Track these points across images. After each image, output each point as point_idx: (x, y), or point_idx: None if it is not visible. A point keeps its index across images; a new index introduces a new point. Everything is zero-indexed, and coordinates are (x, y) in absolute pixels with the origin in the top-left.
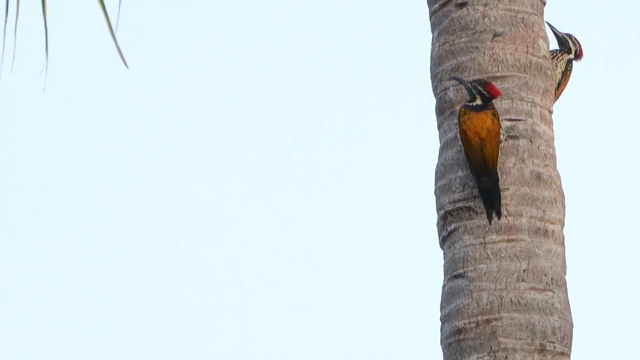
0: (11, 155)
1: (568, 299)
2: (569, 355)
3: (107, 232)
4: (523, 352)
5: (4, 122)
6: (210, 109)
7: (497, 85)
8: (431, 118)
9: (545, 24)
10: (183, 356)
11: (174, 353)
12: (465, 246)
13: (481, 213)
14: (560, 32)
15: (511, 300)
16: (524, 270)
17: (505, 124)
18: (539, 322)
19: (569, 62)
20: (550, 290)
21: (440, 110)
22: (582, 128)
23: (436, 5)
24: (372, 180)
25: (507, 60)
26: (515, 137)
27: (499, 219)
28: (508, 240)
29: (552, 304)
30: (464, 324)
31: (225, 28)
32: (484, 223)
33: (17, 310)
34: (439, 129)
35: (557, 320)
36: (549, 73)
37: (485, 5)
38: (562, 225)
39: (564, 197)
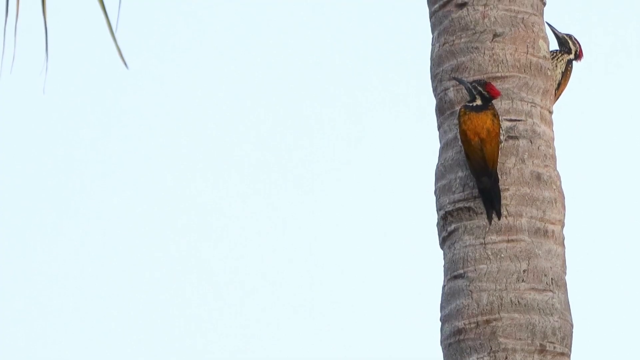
0: (11, 155)
1: (568, 300)
2: (569, 355)
3: (107, 232)
4: (523, 352)
5: (4, 122)
6: (210, 109)
7: (497, 85)
8: (431, 118)
9: (545, 24)
10: (183, 356)
11: (174, 353)
12: (465, 246)
13: (481, 213)
14: (560, 33)
15: (511, 300)
16: (524, 271)
17: (505, 124)
18: (539, 322)
19: (569, 62)
20: (550, 290)
21: (441, 110)
22: (582, 128)
23: (436, 6)
24: (372, 180)
25: (507, 61)
26: (515, 138)
27: (499, 219)
28: (508, 241)
29: (552, 305)
30: (464, 324)
31: (225, 28)
32: (484, 223)
33: (17, 310)
34: (439, 129)
35: (557, 321)
36: (549, 73)
37: (485, 5)
38: (562, 226)
39: (564, 198)
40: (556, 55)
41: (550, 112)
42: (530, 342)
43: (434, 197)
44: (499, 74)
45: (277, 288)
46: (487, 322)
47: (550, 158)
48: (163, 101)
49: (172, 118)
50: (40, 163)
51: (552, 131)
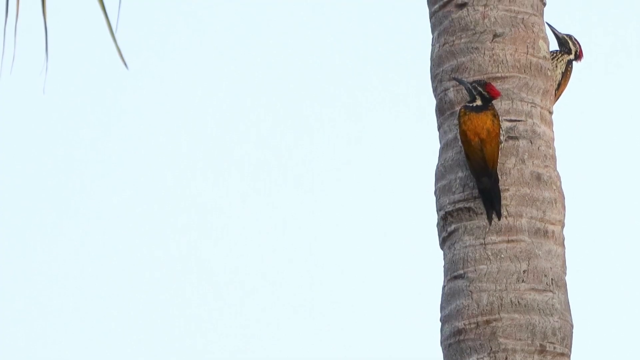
0: (11, 155)
1: (568, 300)
2: (569, 356)
3: (107, 232)
4: (523, 352)
5: (4, 122)
6: (210, 108)
7: (497, 86)
8: (431, 118)
9: (546, 24)
10: (183, 356)
11: (174, 353)
12: (465, 247)
13: (481, 214)
14: (560, 33)
15: (511, 301)
16: (524, 271)
17: (505, 124)
18: (539, 322)
19: (569, 62)
20: (551, 291)
21: (441, 110)
22: (582, 129)
23: (436, 6)
24: (372, 180)
25: (507, 61)
26: (516, 138)
27: (499, 219)
28: (508, 241)
29: (552, 305)
30: (464, 324)
31: (225, 28)
32: (484, 224)
33: (17, 310)
34: (439, 129)
35: (557, 321)
36: (549, 74)
37: (485, 6)
38: (562, 226)
39: (564, 198)
40: (556, 55)
41: (551, 113)
42: (530, 342)
43: (434, 198)
44: (499, 75)
45: (277, 288)
46: (487, 322)
47: (550, 158)
48: (163, 101)
49: (172, 118)
50: (40, 163)
51: (552, 131)
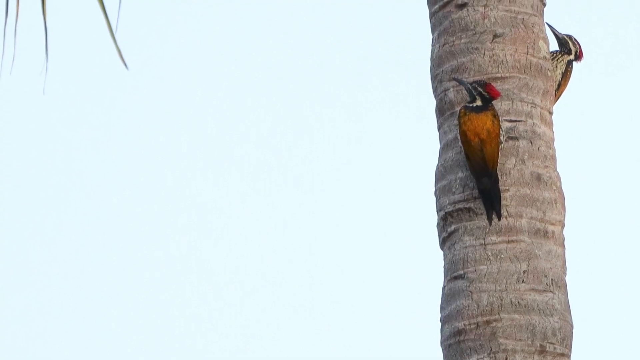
0: (11, 155)
1: (568, 300)
2: (569, 356)
3: (107, 232)
4: (523, 353)
5: (4, 122)
6: (210, 108)
7: (497, 86)
8: (431, 119)
9: (546, 24)
10: (183, 356)
11: (174, 353)
12: (466, 247)
13: (481, 214)
14: (560, 33)
15: (511, 301)
16: (524, 272)
17: (505, 125)
18: (539, 323)
19: (569, 63)
20: (551, 291)
21: (441, 111)
22: (582, 129)
23: (436, 6)
24: (372, 181)
25: (507, 61)
26: (516, 138)
27: (499, 220)
28: (508, 242)
29: (552, 305)
30: (464, 325)
31: (225, 28)
32: (484, 224)
33: (17, 310)
34: (439, 130)
35: (557, 322)
36: (549, 74)
37: (485, 6)
38: (562, 227)
39: (564, 198)
40: (556, 55)
41: (551, 113)
42: (530, 342)
43: (434, 198)
44: (499, 75)
45: (277, 288)
46: (487, 322)
47: (550, 159)
48: (163, 101)
49: (172, 118)
50: (40, 163)
51: (552, 132)
